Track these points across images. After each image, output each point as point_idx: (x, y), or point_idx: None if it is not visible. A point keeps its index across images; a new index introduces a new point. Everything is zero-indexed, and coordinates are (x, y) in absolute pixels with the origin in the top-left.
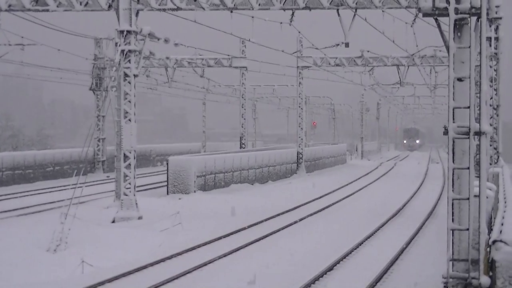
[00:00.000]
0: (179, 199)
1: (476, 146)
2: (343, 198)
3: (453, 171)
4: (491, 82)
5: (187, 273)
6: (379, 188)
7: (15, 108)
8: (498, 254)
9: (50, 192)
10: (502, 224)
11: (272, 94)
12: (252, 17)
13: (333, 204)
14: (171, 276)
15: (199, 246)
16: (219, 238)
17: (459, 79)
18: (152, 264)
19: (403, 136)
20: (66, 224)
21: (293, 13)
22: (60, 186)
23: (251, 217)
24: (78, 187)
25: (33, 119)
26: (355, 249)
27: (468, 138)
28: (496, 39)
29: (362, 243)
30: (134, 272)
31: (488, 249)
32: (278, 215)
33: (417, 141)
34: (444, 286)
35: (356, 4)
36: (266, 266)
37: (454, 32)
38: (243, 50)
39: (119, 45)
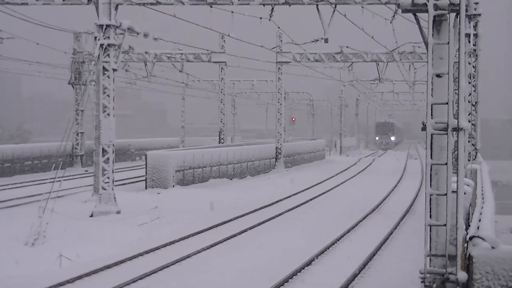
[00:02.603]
0: (158, 193)
1: (454, 142)
2: (321, 194)
3: (431, 167)
4: (470, 78)
5: (165, 268)
6: (357, 184)
7: None
8: (475, 250)
9: (28, 186)
10: (479, 220)
11: (251, 89)
12: (232, 12)
13: (311, 199)
14: (149, 270)
15: (177, 240)
16: (197, 232)
17: (438, 75)
18: (130, 259)
19: (375, 132)
20: (44, 218)
21: (272, 8)
22: (39, 180)
23: (230, 212)
24: (57, 181)
25: (12, 113)
26: (333, 244)
27: (446, 134)
28: (475, 35)
29: (340, 238)
30: (113, 266)
31: (466, 244)
32: (257, 210)
33: (392, 138)
34: (422, 282)
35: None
36: (243, 261)
37: (433, 28)
38: (222, 45)
39: (99, 39)
